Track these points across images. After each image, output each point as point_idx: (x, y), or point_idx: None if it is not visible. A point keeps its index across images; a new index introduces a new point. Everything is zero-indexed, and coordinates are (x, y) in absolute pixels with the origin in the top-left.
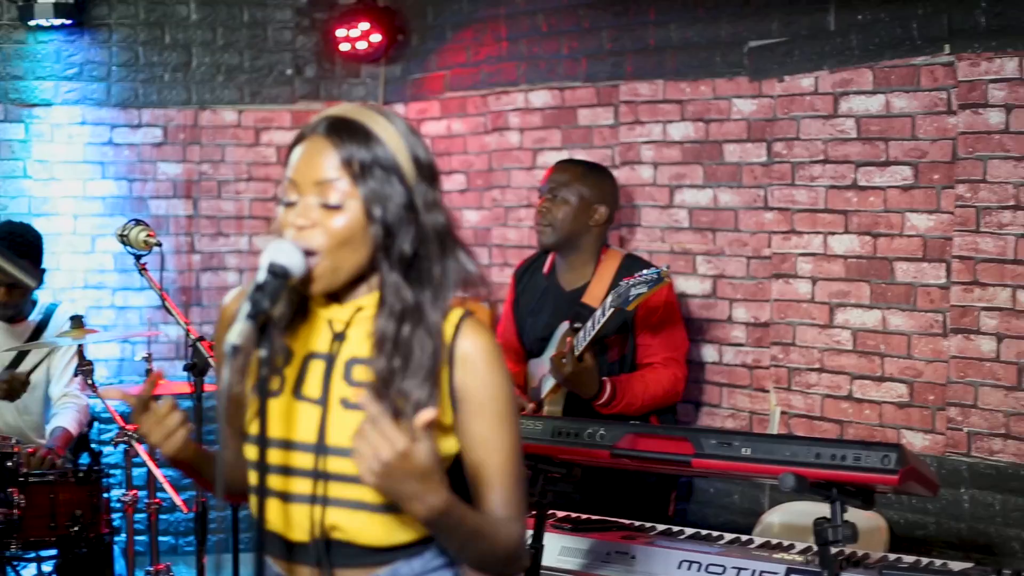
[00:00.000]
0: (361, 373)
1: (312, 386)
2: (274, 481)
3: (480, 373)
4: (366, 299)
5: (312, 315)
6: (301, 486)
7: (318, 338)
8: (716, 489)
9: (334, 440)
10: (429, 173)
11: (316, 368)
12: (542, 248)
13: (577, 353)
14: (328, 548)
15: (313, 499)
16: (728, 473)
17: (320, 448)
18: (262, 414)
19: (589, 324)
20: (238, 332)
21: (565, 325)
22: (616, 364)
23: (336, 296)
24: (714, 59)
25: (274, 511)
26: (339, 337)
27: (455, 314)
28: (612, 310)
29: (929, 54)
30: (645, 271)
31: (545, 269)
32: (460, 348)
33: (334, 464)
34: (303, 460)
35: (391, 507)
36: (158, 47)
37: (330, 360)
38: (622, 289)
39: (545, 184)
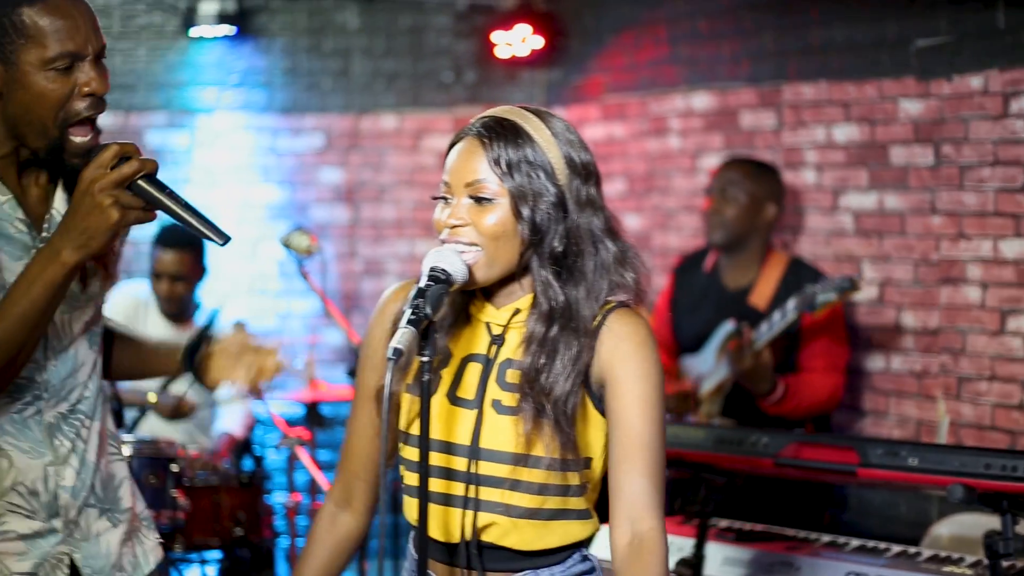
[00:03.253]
0: (513, 375)
1: (468, 388)
2: (417, 480)
3: (625, 354)
4: (522, 301)
5: (472, 319)
6: (454, 488)
7: (477, 341)
8: (882, 500)
9: (486, 443)
10: (584, 172)
11: (473, 371)
12: (711, 246)
13: (756, 349)
14: (479, 550)
15: (465, 502)
16: (895, 483)
17: (473, 451)
18: (424, 417)
19: (767, 325)
20: (400, 337)
21: (728, 324)
22: (776, 364)
23: (494, 300)
24: (880, 59)
25: (415, 509)
26: (497, 340)
27: (606, 306)
28: (798, 312)
29: None
30: (837, 277)
31: (707, 267)
32: (607, 332)
33: (485, 467)
34: (457, 463)
35: (539, 512)
36: (319, 54)
37: (487, 363)
38: (809, 294)
39: (714, 183)
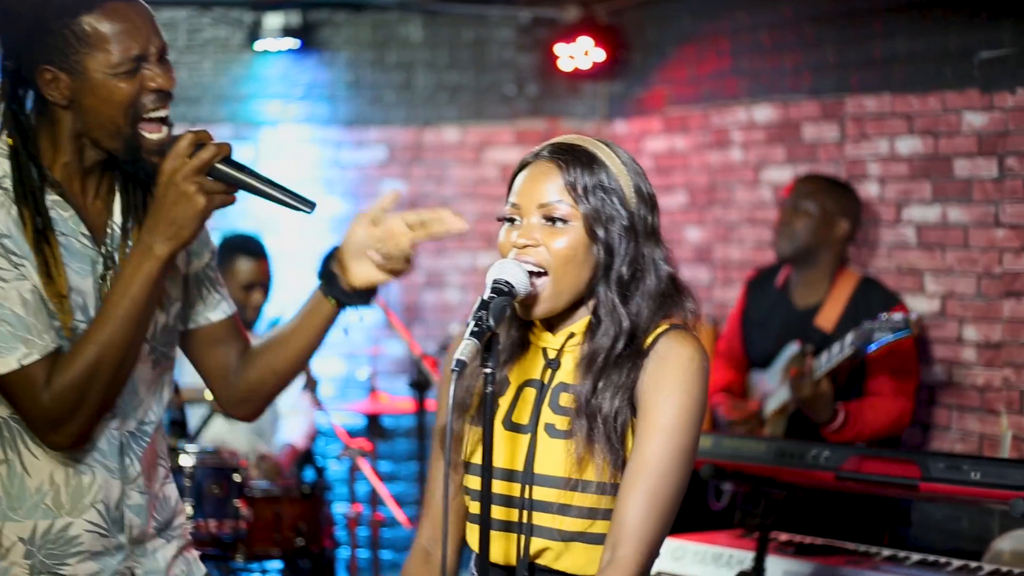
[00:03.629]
0: (566, 399)
1: (523, 414)
2: (478, 507)
3: (661, 381)
4: (577, 325)
5: (530, 345)
6: (511, 514)
7: (533, 366)
8: (943, 514)
9: (539, 468)
10: (650, 202)
11: (528, 396)
12: (779, 259)
13: (815, 378)
14: (534, 574)
15: (520, 527)
16: (956, 497)
17: (526, 476)
18: (487, 433)
19: (826, 355)
20: (463, 349)
21: (795, 346)
22: (843, 388)
23: (551, 324)
24: (943, 71)
25: (477, 536)
26: (552, 364)
27: (659, 328)
28: (852, 350)
29: None
30: (894, 317)
31: (778, 282)
32: (654, 354)
33: (538, 492)
34: (513, 488)
35: (587, 535)
36: (382, 67)
37: (542, 388)
38: (865, 330)
39: (787, 198)
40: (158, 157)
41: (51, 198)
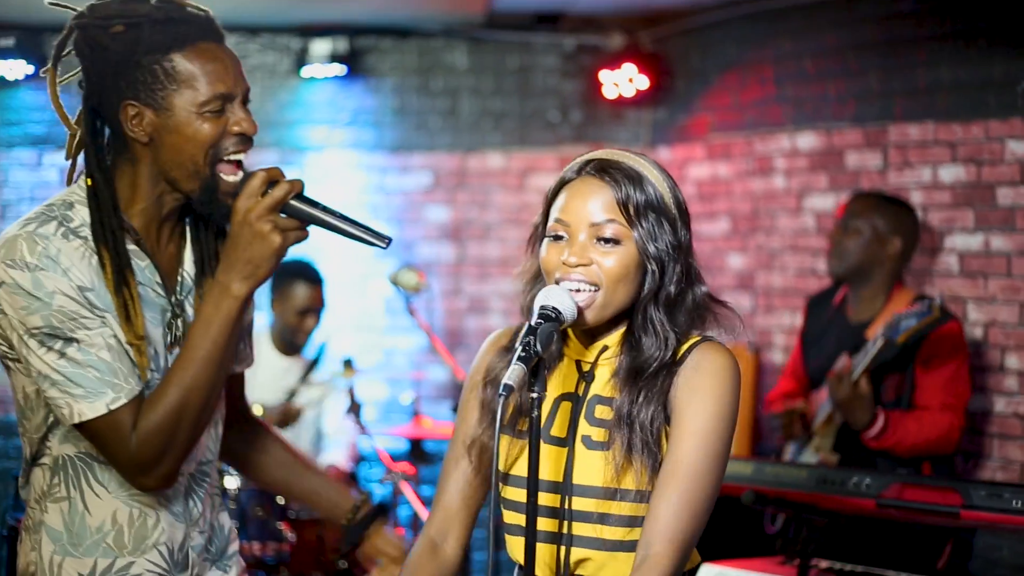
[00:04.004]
0: (602, 411)
1: (560, 426)
2: (522, 519)
3: (695, 387)
4: (611, 338)
5: (564, 357)
6: (547, 524)
7: (568, 379)
8: (984, 542)
9: (577, 479)
10: (687, 216)
11: (564, 409)
12: (832, 278)
13: (853, 378)
14: None
15: (559, 537)
16: (998, 526)
17: (565, 487)
18: (533, 454)
19: (861, 354)
20: (511, 374)
21: (844, 358)
22: (892, 403)
23: (587, 337)
24: (987, 100)
25: (521, 548)
26: (587, 377)
27: (693, 339)
28: (883, 340)
29: None
30: (921, 304)
31: (836, 299)
32: (687, 364)
33: (576, 503)
34: (550, 499)
35: (630, 544)
36: (427, 93)
37: (577, 400)
38: (893, 321)
39: (840, 217)
40: (233, 199)
41: (129, 247)
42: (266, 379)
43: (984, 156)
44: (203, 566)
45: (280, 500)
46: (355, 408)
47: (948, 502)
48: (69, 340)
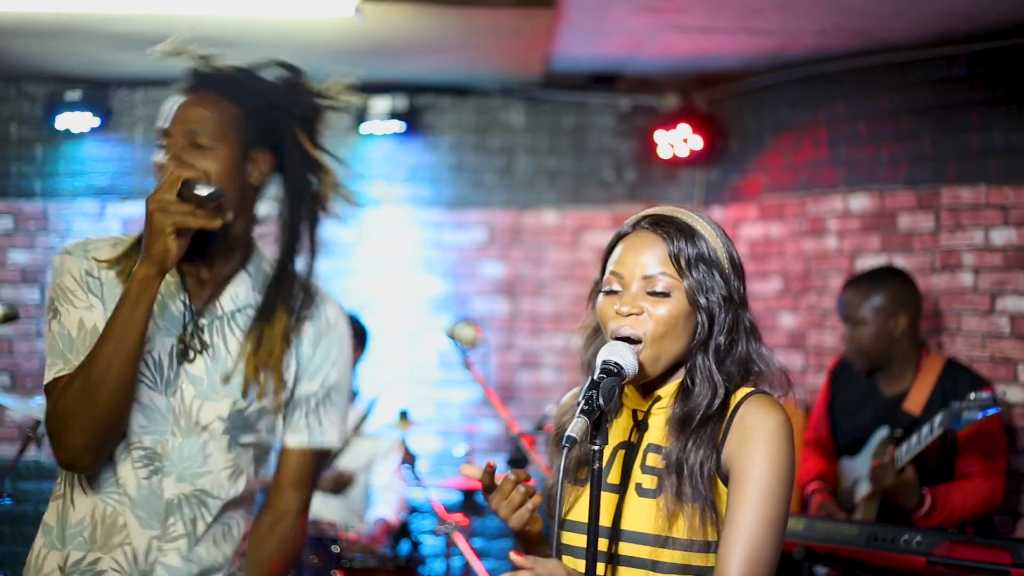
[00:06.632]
0: (654, 459)
1: (615, 474)
2: (577, 564)
3: (750, 442)
4: (666, 389)
5: (623, 408)
6: (600, 569)
7: (625, 429)
8: None
9: (627, 525)
10: (741, 271)
11: (620, 457)
12: (861, 370)
13: (899, 466)
14: None
15: None
16: None
17: (614, 533)
18: (593, 505)
19: (915, 439)
20: (574, 427)
21: (884, 431)
22: (935, 472)
23: (643, 387)
24: None
25: None
26: (641, 426)
27: (744, 390)
28: (942, 430)
29: None
30: (982, 395)
31: (864, 371)
32: (738, 417)
33: (626, 548)
34: (602, 544)
35: None
36: (484, 151)
37: (631, 449)
38: (954, 410)
39: (839, 307)
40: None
41: None
42: None
43: None
44: None
45: (335, 549)
46: (410, 459)
47: (998, 560)
48: (56, 312)
